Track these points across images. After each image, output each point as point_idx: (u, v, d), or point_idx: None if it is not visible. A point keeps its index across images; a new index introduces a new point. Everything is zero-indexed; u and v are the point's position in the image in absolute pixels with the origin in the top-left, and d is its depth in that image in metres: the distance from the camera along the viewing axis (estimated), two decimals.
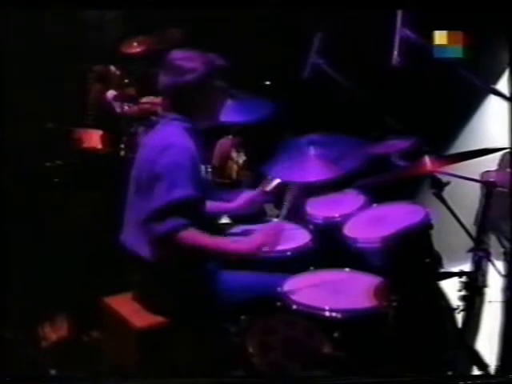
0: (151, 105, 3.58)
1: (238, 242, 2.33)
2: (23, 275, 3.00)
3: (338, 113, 3.57)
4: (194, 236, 2.14)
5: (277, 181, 2.81)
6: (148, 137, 2.36)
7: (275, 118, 3.04)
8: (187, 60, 2.24)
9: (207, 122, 2.32)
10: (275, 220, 2.83)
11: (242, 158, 3.38)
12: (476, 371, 2.32)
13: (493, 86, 2.57)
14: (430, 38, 2.44)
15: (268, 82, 3.73)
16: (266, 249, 2.29)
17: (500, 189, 2.64)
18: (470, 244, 2.31)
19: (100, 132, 3.76)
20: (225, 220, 2.90)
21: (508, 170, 4.90)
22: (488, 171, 4.79)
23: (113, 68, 3.93)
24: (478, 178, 3.71)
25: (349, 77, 2.71)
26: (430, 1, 2.61)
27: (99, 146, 3.75)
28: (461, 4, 2.57)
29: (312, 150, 2.86)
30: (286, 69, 3.40)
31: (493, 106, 5.02)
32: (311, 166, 2.79)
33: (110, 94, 3.82)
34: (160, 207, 2.09)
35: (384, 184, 2.51)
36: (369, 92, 2.66)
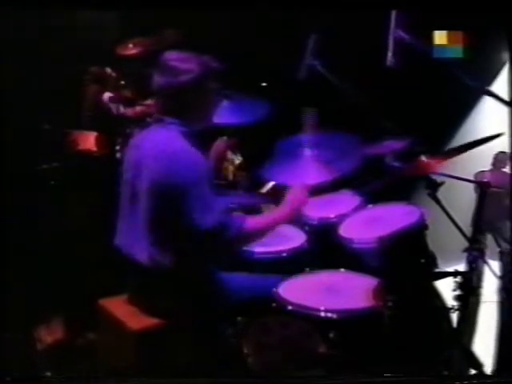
0: (147, 107, 3.58)
1: (278, 212, 2.41)
2: (19, 277, 2.99)
3: (333, 114, 3.57)
4: (252, 222, 2.25)
5: (272, 183, 2.82)
6: (142, 139, 2.33)
7: (271, 119, 3.04)
8: (182, 61, 2.24)
9: (200, 124, 2.32)
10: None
11: (237, 159, 3.38)
12: (472, 371, 2.32)
13: (488, 88, 2.57)
14: (428, 38, 2.44)
15: (264, 84, 3.74)
16: (301, 208, 2.43)
17: (495, 189, 2.64)
18: (466, 244, 2.32)
19: (95, 134, 3.76)
20: None
21: (502, 169, 4.93)
22: (482, 171, 4.82)
23: (109, 70, 3.93)
24: (472, 178, 3.73)
25: (344, 78, 2.71)
26: (428, 1, 2.61)
27: (94, 148, 3.74)
28: (460, 4, 2.57)
29: (308, 151, 2.87)
30: (282, 70, 3.40)
31: (487, 107, 5.05)
32: (307, 168, 2.80)
33: (106, 95, 3.82)
34: (219, 218, 2.14)
35: (384, 188, 2.52)
36: (363, 93, 2.66)
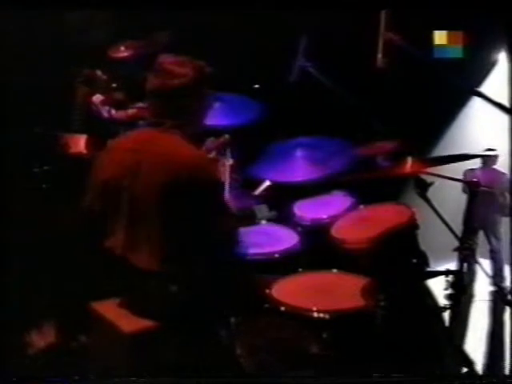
0: (139, 110, 3.57)
1: None
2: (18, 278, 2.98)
3: (324, 115, 3.59)
4: None
5: (266, 183, 2.83)
6: (137, 142, 2.31)
7: (263, 120, 3.05)
8: (178, 65, 2.24)
9: (193, 127, 2.32)
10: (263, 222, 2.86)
11: (228, 161, 3.38)
12: (463, 369, 2.34)
13: (477, 89, 2.59)
14: (419, 39, 2.44)
15: (256, 86, 3.74)
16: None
17: (485, 188, 2.66)
18: (457, 243, 2.33)
19: (86, 137, 3.75)
20: None
21: (493, 167, 4.95)
22: (472, 169, 4.82)
23: (99, 72, 3.92)
24: (462, 176, 3.74)
25: (335, 79, 2.73)
26: (419, 1, 2.62)
27: (85, 151, 3.73)
28: (454, 3, 2.57)
29: (299, 152, 2.89)
30: (274, 72, 3.42)
31: (475, 109, 5.07)
32: (298, 168, 2.82)
33: (97, 98, 3.81)
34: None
35: (365, 181, 2.53)
36: (355, 94, 2.68)
